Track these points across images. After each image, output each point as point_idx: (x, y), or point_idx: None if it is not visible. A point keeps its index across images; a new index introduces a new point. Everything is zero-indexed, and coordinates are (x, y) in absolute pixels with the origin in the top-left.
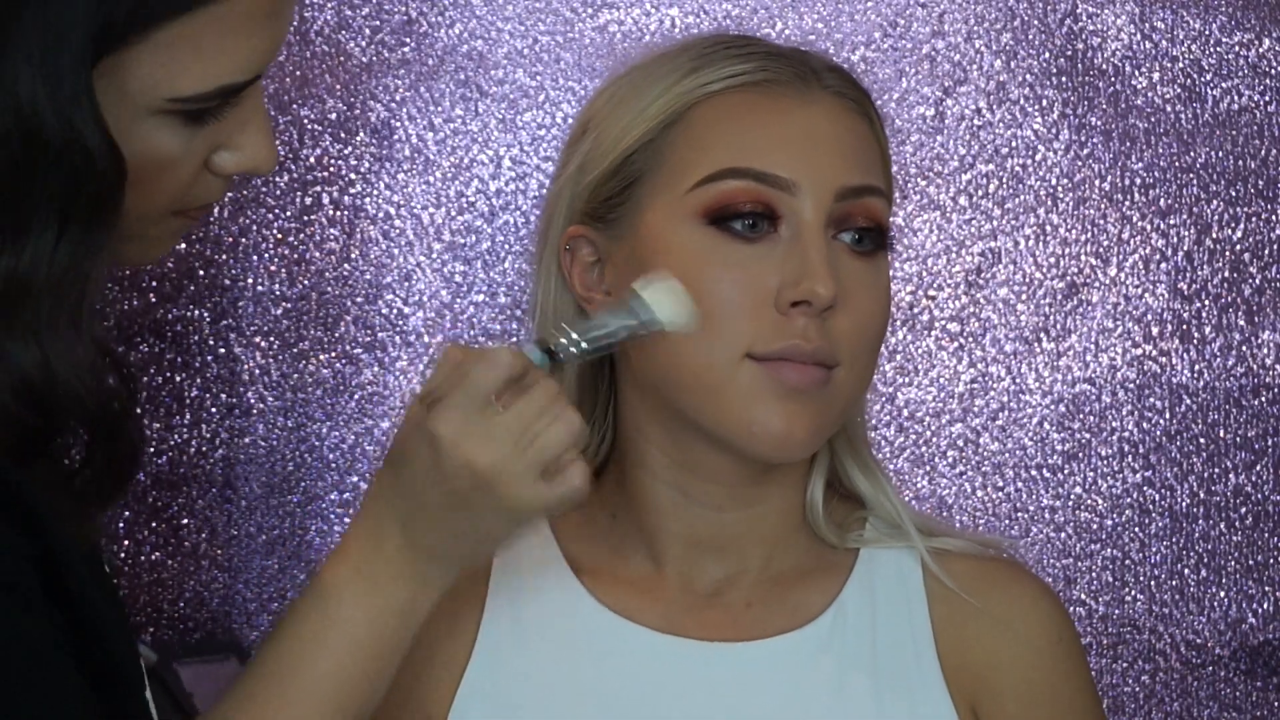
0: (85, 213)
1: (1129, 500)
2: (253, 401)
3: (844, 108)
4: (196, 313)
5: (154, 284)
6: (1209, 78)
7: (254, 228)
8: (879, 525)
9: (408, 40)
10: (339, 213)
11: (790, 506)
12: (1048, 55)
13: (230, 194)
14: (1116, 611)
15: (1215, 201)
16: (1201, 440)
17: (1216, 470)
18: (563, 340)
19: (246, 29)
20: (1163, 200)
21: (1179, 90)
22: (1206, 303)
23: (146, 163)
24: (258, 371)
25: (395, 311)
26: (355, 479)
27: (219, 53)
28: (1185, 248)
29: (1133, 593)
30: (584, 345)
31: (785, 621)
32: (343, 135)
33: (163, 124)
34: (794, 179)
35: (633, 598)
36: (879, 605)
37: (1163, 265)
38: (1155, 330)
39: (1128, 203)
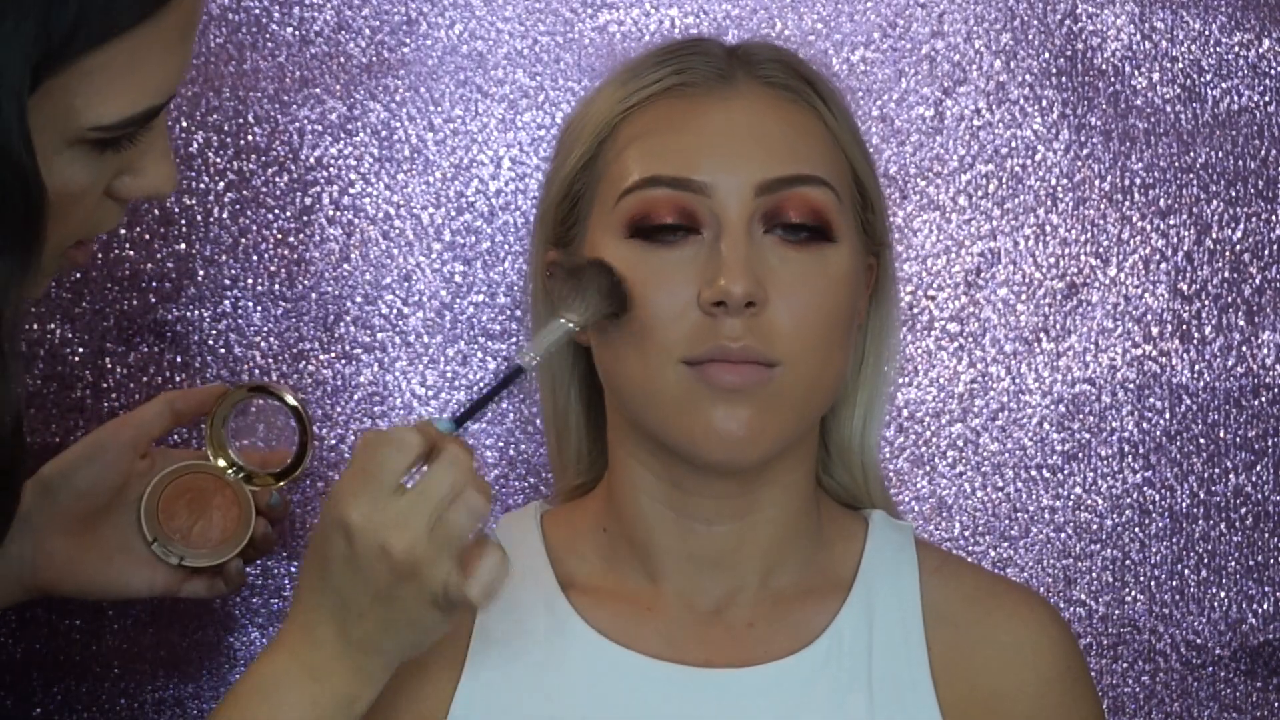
0: (14, 243)
1: (1129, 500)
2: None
3: (774, 99)
4: (196, 313)
5: (154, 284)
6: (1209, 78)
7: (254, 228)
8: (881, 526)
9: (408, 40)
10: (339, 213)
11: (785, 517)
12: (1047, 55)
13: (230, 194)
14: (1116, 612)
15: (1215, 202)
16: (1201, 440)
17: (1216, 470)
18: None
19: (167, 49)
20: (1162, 200)
21: (1179, 90)
22: (1206, 303)
23: (60, 197)
24: (258, 372)
25: (395, 311)
26: None
27: (143, 76)
28: (1185, 248)
29: (1133, 593)
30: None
31: (786, 643)
32: (343, 135)
33: (77, 155)
34: (708, 181)
35: (630, 620)
36: (876, 628)
37: (1163, 265)
38: (1155, 330)
39: (1127, 203)
